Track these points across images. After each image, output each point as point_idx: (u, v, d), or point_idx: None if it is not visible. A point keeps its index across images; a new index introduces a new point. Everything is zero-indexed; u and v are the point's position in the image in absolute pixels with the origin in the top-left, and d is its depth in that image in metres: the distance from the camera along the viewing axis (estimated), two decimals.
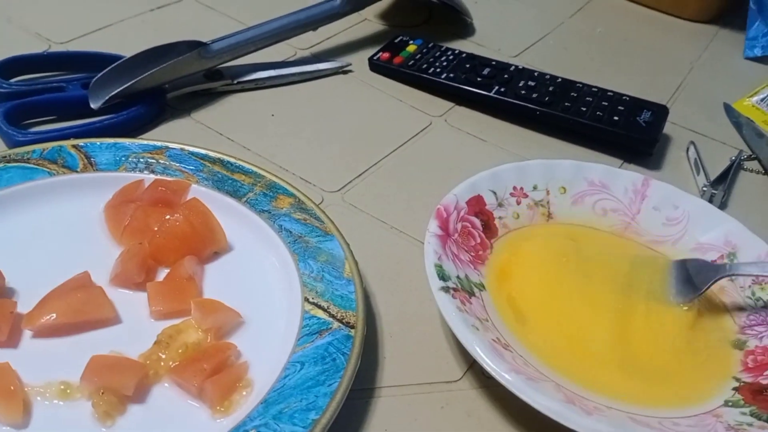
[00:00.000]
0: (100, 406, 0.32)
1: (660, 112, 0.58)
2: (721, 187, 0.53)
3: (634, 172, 0.48)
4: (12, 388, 0.33)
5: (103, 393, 0.32)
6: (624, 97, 0.59)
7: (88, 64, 0.56)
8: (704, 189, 0.53)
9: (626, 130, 0.55)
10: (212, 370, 0.33)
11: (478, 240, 0.43)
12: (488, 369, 0.33)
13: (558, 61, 0.68)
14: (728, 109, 0.65)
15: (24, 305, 0.37)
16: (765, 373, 0.37)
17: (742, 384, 0.36)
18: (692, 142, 0.58)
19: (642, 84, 0.65)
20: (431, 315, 0.41)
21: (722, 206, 0.52)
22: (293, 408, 0.32)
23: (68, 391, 0.33)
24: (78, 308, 0.36)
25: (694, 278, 0.40)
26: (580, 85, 0.60)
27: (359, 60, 0.64)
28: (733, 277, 0.42)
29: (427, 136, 0.57)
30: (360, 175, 0.51)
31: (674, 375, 0.37)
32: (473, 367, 0.38)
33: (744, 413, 0.34)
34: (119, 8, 0.66)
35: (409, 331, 0.40)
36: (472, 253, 0.42)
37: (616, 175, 0.48)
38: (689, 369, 0.37)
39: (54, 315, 0.35)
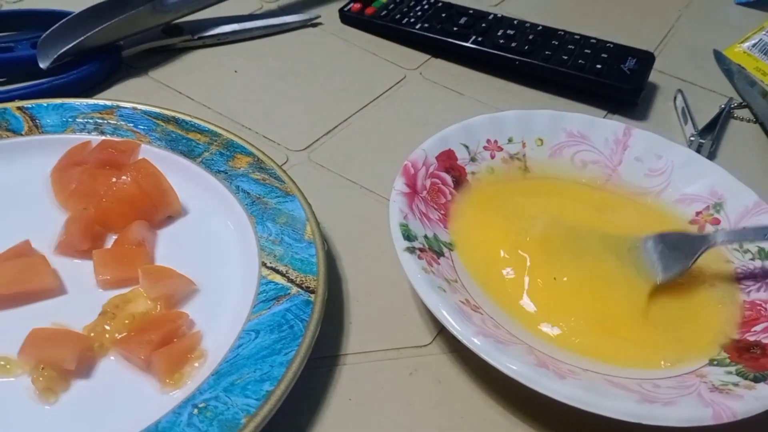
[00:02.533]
0: (40, 381, 0.30)
1: (646, 59, 0.55)
2: (709, 137, 0.50)
3: (616, 122, 0.45)
4: None
5: (43, 368, 0.30)
6: (608, 45, 0.56)
7: (39, 22, 0.53)
8: (692, 139, 0.50)
9: (610, 79, 0.52)
10: (160, 341, 0.31)
11: (449, 197, 0.41)
12: (455, 333, 0.31)
13: (539, 9, 0.65)
14: (718, 56, 0.62)
15: None
16: (753, 329, 0.35)
17: (729, 341, 0.34)
18: (680, 91, 0.55)
19: (628, 31, 0.62)
20: (400, 278, 0.39)
21: (711, 156, 0.50)
22: (246, 379, 0.30)
23: (8, 366, 0.31)
24: (17, 278, 0.33)
25: (679, 250, 0.37)
26: (562, 33, 0.57)
27: (329, 12, 0.60)
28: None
29: (400, 90, 0.54)
30: (328, 132, 0.49)
31: (658, 335, 0.35)
32: (443, 331, 0.36)
33: (730, 372, 0.32)
34: None
35: (377, 295, 0.38)
36: (442, 211, 0.40)
37: (597, 125, 0.45)
38: (674, 325, 0.35)
39: None
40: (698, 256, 0.36)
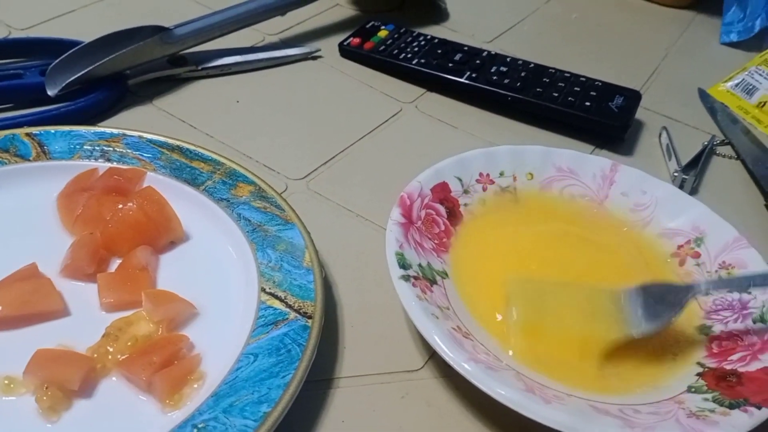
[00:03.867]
0: (44, 401, 0.31)
1: (633, 97, 0.57)
2: (692, 173, 0.52)
3: (603, 158, 0.47)
4: None
5: (47, 387, 0.31)
6: (596, 83, 0.58)
7: (48, 50, 0.55)
8: (675, 174, 0.52)
9: (598, 116, 0.55)
10: (162, 363, 0.32)
11: (443, 227, 0.42)
12: (447, 358, 0.33)
13: (532, 47, 0.67)
14: (702, 95, 0.64)
15: None
16: (729, 358, 0.36)
17: (705, 370, 0.36)
18: (665, 128, 0.57)
19: (616, 70, 0.64)
20: (394, 305, 0.40)
21: (693, 192, 0.51)
22: (244, 401, 0.31)
23: (12, 385, 0.32)
24: (24, 300, 0.35)
25: (664, 300, 0.37)
26: (553, 71, 0.59)
27: (329, 46, 0.63)
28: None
29: (397, 122, 0.56)
30: (326, 162, 0.50)
31: (637, 361, 0.37)
32: (434, 356, 0.38)
33: (707, 399, 0.34)
34: None
35: (371, 321, 0.39)
36: (436, 241, 0.41)
37: (585, 161, 0.47)
38: (653, 354, 0.37)
39: None
40: (684, 307, 0.36)
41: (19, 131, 0.44)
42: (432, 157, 0.45)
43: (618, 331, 0.36)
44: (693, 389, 0.35)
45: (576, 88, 0.57)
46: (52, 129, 0.45)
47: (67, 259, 0.37)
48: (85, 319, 0.36)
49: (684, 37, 0.73)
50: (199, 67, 0.56)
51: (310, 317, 0.35)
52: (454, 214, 0.43)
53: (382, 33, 0.63)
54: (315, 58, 0.61)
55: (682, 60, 0.69)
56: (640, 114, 0.58)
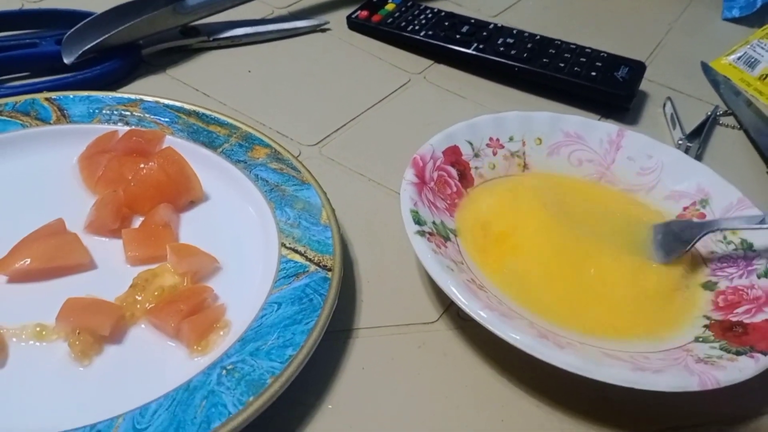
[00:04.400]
0: (76, 345, 0.32)
1: (637, 68, 0.58)
2: (696, 141, 0.53)
3: (610, 124, 0.48)
4: None
5: (79, 333, 0.32)
6: (602, 54, 0.59)
7: (62, 20, 0.56)
8: (680, 142, 0.53)
9: (604, 85, 0.56)
10: (189, 311, 0.33)
11: (454, 189, 0.43)
12: (463, 307, 0.34)
13: (537, 21, 0.68)
14: (705, 68, 0.65)
15: None
16: (735, 311, 0.37)
17: (712, 322, 0.37)
18: (669, 98, 0.59)
19: (620, 43, 0.65)
20: (407, 261, 0.41)
21: (698, 158, 0.53)
22: (270, 345, 0.32)
23: (43, 332, 0.33)
24: (52, 253, 0.36)
25: (680, 236, 0.40)
26: (559, 42, 0.60)
27: (337, 18, 0.63)
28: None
29: (405, 92, 0.57)
30: (338, 129, 0.51)
31: (645, 314, 0.38)
32: (449, 309, 0.39)
33: (714, 347, 0.35)
34: None
35: (386, 277, 0.40)
36: (448, 201, 0.42)
37: (592, 127, 0.48)
38: (660, 309, 0.38)
39: (28, 260, 0.35)
40: (697, 240, 0.39)
41: (39, 96, 0.45)
42: (441, 126, 0.46)
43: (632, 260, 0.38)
44: (700, 339, 0.36)
45: (582, 59, 0.58)
46: (70, 94, 0.46)
47: (92, 215, 0.38)
48: (111, 272, 0.37)
49: (687, 12, 0.74)
50: (211, 38, 0.57)
51: (329, 270, 0.36)
52: (465, 177, 0.44)
53: (390, 6, 0.64)
54: (323, 30, 0.62)
55: (685, 34, 0.70)
56: (644, 86, 0.59)
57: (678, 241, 0.40)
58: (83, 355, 0.32)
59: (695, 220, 0.43)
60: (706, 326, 0.37)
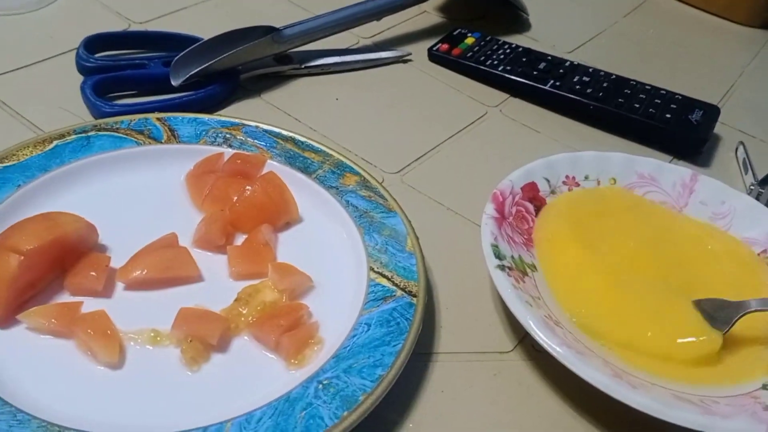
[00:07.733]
0: (187, 352, 0.36)
1: (711, 111, 0.60)
2: None
3: (683, 167, 0.50)
4: (109, 332, 0.36)
5: (191, 340, 0.36)
6: (677, 96, 0.61)
7: (166, 43, 0.60)
8: (752, 188, 0.54)
9: (678, 128, 0.57)
10: (288, 327, 0.37)
11: (531, 224, 0.46)
12: (541, 342, 0.36)
13: (611, 60, 0.70)
14: None
15: (116, 261, 0.40)
16: None
17: None
18: (741, 143, 0.59)
19: (693, 86, 0.66)
20: (484, 291, 0.44)
21: None
22: (362, 364, 0.35)
23: (158, 338, 0.37)
24: (166, 265, 0.40)
25: (713, 317, 0.40)
26: (634, 83, 0.62)
27: (419, 50, 0.66)
28: None
29: (482, 124, 0.59)
30: (418, 158, 0.54)
31: (714, 361, 0.39)
32: (524, 340, 0.41)
33: None
34: None
35: (464, 305, 0.43)
36: (525, 236, 0.45)
37: (666, 170, 0.50)
38: (730, 354, 0.39)
39: (145, 270, 0.39)
40: (734, 323, 0.39)
41: (151, 116, 0.50)
42: (516, 159, 0.49)
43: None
44: None
45: (656, 100, 0.60)
46: (179, 115, 0.50)
47: (200, 231, 0.42)
48: (216, 284, 0.40)
49: (759, 57, 0.75)
50: (302, 66, 0.61)
51: (414, 295, 0.39)
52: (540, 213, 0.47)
53: (469, 40, 0.67)
54: (405, 61, 0.66)
55: (758, 79, 0.71)
56: (716, 129, 0.60)
57: (715, 321, 0.39)
58: (193, 361, 0.36)
59: (728, 300, 0.40)
60: None
